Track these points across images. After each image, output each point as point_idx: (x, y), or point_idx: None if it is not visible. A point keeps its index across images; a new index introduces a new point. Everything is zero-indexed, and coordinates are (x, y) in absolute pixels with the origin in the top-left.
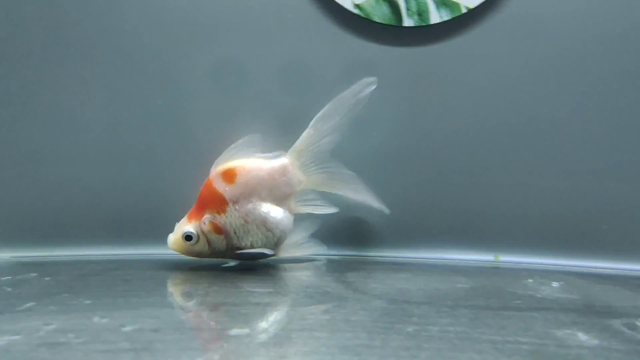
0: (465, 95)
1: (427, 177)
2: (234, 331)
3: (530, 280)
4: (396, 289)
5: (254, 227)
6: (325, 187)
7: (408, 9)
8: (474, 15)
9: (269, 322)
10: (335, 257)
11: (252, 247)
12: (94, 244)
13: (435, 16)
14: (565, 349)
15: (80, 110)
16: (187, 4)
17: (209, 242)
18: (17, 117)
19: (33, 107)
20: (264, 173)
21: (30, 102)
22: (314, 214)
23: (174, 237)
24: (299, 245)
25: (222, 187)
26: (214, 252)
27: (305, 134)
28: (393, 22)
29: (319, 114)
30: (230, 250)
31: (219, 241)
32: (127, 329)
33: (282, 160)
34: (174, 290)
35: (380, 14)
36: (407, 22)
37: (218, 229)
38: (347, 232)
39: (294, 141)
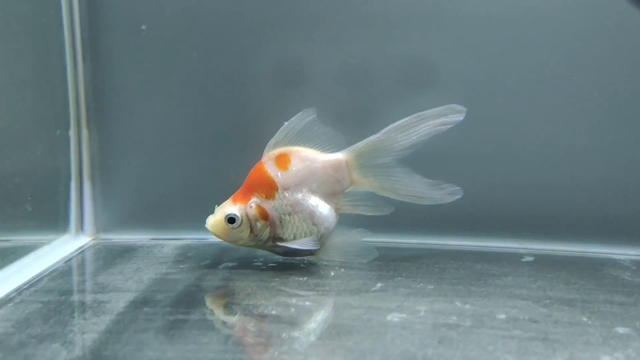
0: None
1: None
2: None
3: None
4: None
5: (299, 219)
6: (385, 192)
7: None
8: None
9: None
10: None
11: (294, 239)
12: None
13: None
14: None
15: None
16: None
17: (251, 227)
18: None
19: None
20: (319, 165)
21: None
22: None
23: (215, 219)
24: (343, 251)
25: (274, 172)
26: (253, 240)
27: (373, 137)
28: None
29: (396, 123)
30: (271, 240)
31: (263, 228)
32: (502, 316)
33: (338, 156)
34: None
35: None
36: None
37: (264, 215)
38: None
39: None
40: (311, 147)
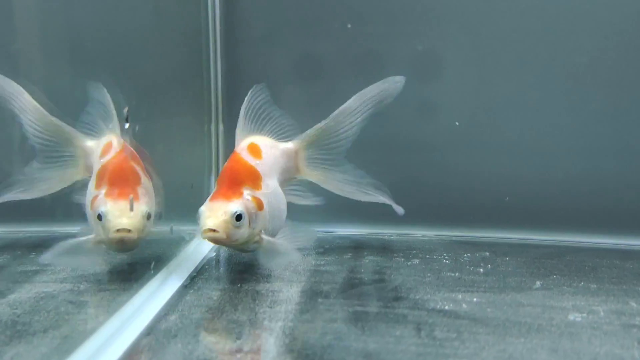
0: None
1: None
2: None
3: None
4: None
5: (279, 210)
6: (329, 186)
7: None
8: None
9: None
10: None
11: (266, 233)
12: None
13: None
14: None
15: None
16: None
17: (250, 222)
18: None
19: None
20: (279, 153)
21: None
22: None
23: (221, 219)
24: (292, 237)
25: (253, 162)
26: (251, 235)
27: (321, 124)
28: None
29: (340, 107)
30: (259, 235)
31: (259, 220)
32: None
33: (289, 146)
34: None
35: None
36: None
37: (260, 205)
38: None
39: None
40: (269, 132)
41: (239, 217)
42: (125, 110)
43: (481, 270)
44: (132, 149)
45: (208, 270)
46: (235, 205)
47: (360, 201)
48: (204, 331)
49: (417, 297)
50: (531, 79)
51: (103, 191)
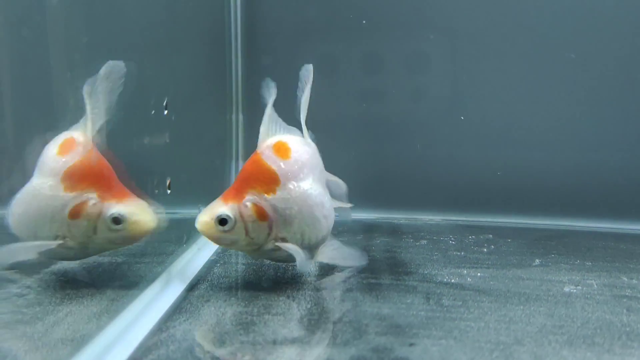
0: None
1: None
2: None
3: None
4: None
5: (307, 214)
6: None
7: None
8: None
9: None
10: None
11: (294, 241)
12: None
13: None
14: None
15: None
16: None
17: (247, 230)
18: None
19: None
20: (312, 150)
21: None
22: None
23: (204, 219)
24: (338, 254)
25: (275, 163)
26: (250, 244)
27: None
28: None
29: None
30: (272, 242)
31: (260, 230)
32: None
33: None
34: None
35: None
36: None
37: (262, 214)
38: None
39: None
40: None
41: (223, 222)
42: (165, 101)
43: (485, 250)
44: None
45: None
46: (222, 210)
47: (371, 188)
48: (232, 297)
49: (425, 272)
50: (539, 74)
51: (94, 194)
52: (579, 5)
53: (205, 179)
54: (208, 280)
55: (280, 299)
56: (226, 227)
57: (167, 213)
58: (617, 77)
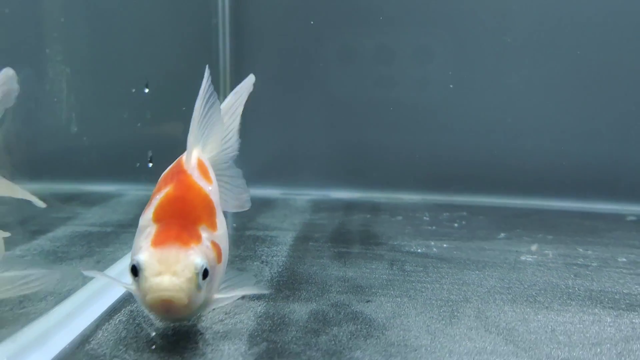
0: None
1: None
2: None
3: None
4: None
5: (226, 256)
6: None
7: None
8: None
9: None
10: None
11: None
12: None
13: None
14: None
15: None
16: None
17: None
18: None
19: None
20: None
21: None
22: None
23: (181, 281)
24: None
25: (206, 188)
26: (204, 303)
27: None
28: None
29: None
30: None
31: (218, 276)
32: (623, 259)
33: (198, 155)
34: None
35: None
36: None
37: (219, 254)
38: None
39: None
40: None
41: (206, 274)
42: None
43: (455, 225)
44: None
45: None
46: (199, 256)
47: (353, 168)
48: None
49: (395, 243)
50: (516, 67)
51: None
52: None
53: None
54: None
55: (255, 263)
56: (207, 280)
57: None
58: (585, 74)
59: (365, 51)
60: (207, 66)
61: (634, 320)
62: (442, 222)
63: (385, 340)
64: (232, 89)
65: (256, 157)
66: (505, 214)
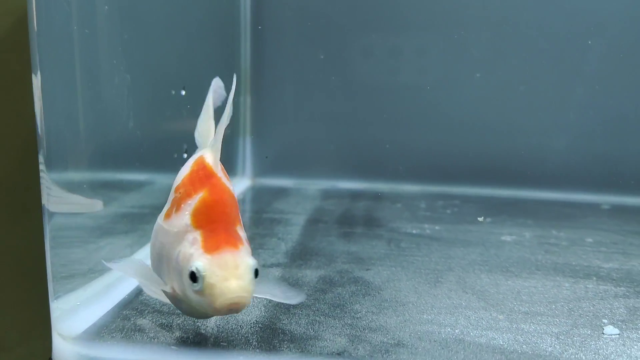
0: None
1: None
2: None
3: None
4: None
5: None
6: None
7: None
8: None
9: None
10: None
11: None
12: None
13: None
14: None
15: None
16: None
17: None
18: None
19: None
20: None
21: None
22: None
23: (245, 281)
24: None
25: (233, 189)
26: None
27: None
28: None
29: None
30: None
31: None
32: (589, 240)
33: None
34: None
35: None
36: None
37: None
38: None
39: None
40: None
41: (256, 273)
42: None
43: (448, 211)
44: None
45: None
46: (249, 257)
47: (359, 161)
48: None
49: (393, 225)
50: (508, 70)
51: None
52: None
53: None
54: None
55: (273, 240)
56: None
57: None
58: (568, 72)
59: (372, 53)
60: (234, 75)
61: (587, 286)
62: (437, 209)
63: (380, 298)
64: (251, 88)
65: (273, 152)
66: (493, 202)
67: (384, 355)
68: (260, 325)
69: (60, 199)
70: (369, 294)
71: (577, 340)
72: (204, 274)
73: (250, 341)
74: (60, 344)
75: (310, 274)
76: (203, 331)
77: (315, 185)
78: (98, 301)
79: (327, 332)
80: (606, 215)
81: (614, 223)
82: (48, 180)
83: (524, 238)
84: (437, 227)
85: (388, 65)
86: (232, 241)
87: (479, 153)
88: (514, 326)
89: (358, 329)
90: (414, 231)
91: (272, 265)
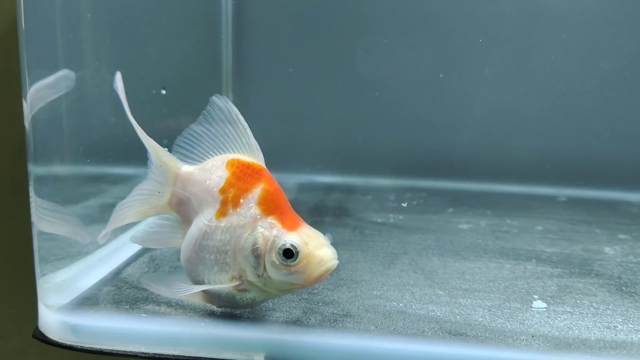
0: None
1: None
2: None
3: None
4: None
5: None
6: None
7: None
8: None
9: None
10: None
11: None
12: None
13: None
14: None
15: None
16: None
17: None
18: None
19: None
20: None
21: None
22: None
23: (331, 251)
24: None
25: None
26: None
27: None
28: None
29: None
30: None
31: None
32: (539, 228)
33: None
34: None
35: None
36: None
37: None
38: None
39: None
40: None
41: None
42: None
43: (415, 203)
44: None
45: None
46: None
47: (335, 157)
48: None
49: (361, 215)
50: (486, 65)
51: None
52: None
53: None
54: None
55: None
56: None
57: None
58: (534, 73)
59: (348, 52)
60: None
61: (527, 267)
62: (404, 200)
63: (337, 277)
64: (233, 86)
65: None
66: (458, 195)
67: (332, 324)
68: None
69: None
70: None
71: (506, 313)
72: (299, 248)
73: (216, 312)
74: (45, 313)
75: None
76: (174, 303)
77: (293, 179)
78: (82, 278)
79: (284, 305)
80: (561, 207)
81: (567, 213)
82: (36, 200)
83: (479, 226)
84: (400, 217)
85: (362, 64)
86: (301, 220)
87: (446, 149)
88: (453, 300)
89: (312, 303)
90: (379, 220)
91: None
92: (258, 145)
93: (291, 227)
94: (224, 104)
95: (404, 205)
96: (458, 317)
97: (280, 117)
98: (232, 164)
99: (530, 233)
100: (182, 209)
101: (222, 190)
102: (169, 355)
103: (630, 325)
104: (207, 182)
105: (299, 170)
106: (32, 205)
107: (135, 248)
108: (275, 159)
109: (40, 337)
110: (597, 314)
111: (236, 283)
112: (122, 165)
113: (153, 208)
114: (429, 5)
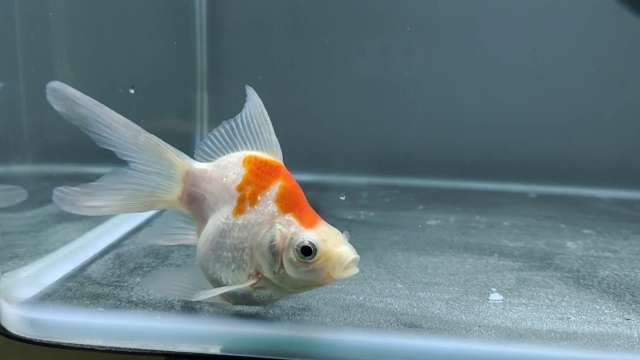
0: None
1: None
2: None
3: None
4: None
5: None
6: None
7: None
8: None
9: None
10: None
11: None
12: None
13: None
14: None
15: None
16: None
17: None
18: None
19: None
20: None
21: None
22: None
23: (352, 251)
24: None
25: None
26: None
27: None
28: None
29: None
30: None
31: None
32: (506, 223)
33: None
34: None
35: None
36: None
37: None
38: None
39: None
40: None
41: None
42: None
43: (387, 200)
44: None
45: None
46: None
47: (311, 155)
48: None
49: (332, 212)
50: (465, 67)
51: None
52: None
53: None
54: None
55: None
56: None
57: None
58: (506, 74)
59: (324, 52)
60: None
61: (489, 261)
62: (377, 198)
63: None
64: (208, 85)
65: None
66: (429, 192)
67: (290, 317)
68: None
69: None
70: None
71: (463, 305)
72: (317, 245)
73: (175, 306)
74: (6, 308)
75: None
76: (135, 299)
77: None
78: (45, 274)
79: None
80: (530, 203)
81: (534, 209)
82: None
83: (448, 222)
84: (371, 214)
85: (342, 64)
86: (319, 217)
87: (419, 147)
88: (412, 294)
89: None
90: (350, 217)
91: None
92: (278, 142)
93: (309, 224)
94: (251, 94)
95: (342, 198)
96: (415, 309)
97: None
98: (249, 161)
99: (497, 228)
100: (195, 207)
101: (240, 188)
102: (126, 348)
103: (584, 317)
104: (224, 179)
105: None
106: None
107: (102, 245)
108: None
109: (2, 332)
110: (552, 305)
111: (253, 281)
112: (95, 165)
113: (160, 202)
114: (373, 5)
